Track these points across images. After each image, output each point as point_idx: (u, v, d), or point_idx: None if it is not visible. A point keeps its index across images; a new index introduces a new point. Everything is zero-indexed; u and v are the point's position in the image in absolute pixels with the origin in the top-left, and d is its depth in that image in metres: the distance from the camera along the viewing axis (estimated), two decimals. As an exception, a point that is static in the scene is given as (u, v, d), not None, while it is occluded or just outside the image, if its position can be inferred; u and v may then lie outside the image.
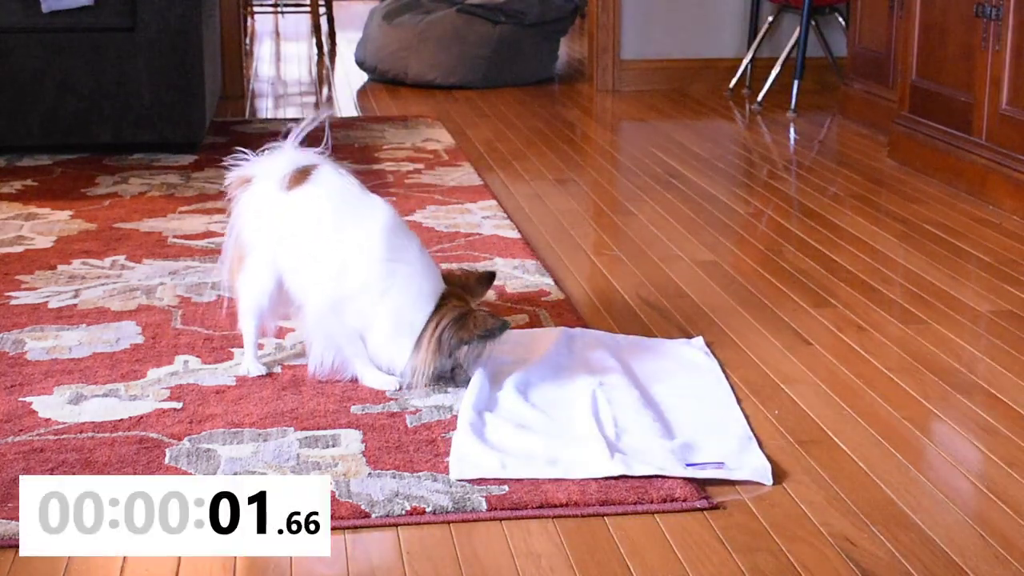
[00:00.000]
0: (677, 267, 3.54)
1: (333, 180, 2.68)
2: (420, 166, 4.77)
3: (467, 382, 2.60)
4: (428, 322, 2.61)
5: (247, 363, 2.73)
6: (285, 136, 2.74)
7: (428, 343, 2.59)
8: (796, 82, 5.88)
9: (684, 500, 2.17)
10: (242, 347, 2.77)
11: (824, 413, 2.56)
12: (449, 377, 2.65)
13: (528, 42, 6.78)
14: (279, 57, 8.40)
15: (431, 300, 2.62)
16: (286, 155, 2.71)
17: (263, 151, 2.74)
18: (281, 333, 2.92)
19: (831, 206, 4.21)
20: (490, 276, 2.79)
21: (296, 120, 2.80)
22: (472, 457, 2.29)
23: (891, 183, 4.52)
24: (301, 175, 2.67)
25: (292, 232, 2.66)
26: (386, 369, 2.64)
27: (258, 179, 2.71)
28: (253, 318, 2.73)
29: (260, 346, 2.78)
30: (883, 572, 1.97)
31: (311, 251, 2.64)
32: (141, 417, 2.50)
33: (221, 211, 4.06)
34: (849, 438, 2.44)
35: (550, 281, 3.35)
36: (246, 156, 2.75)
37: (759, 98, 6.02)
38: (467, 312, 2.61)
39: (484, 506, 2.15)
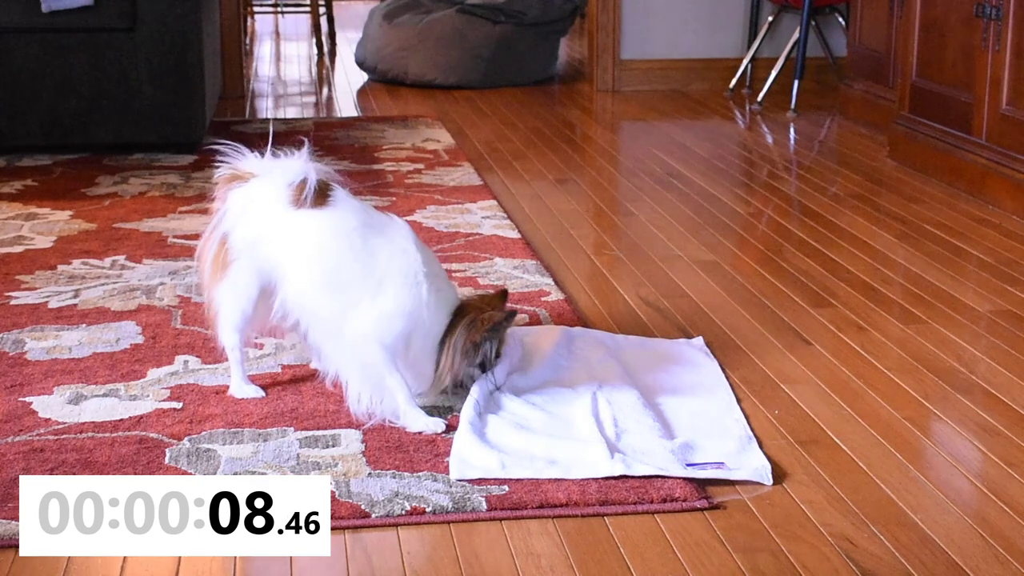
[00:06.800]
0: (677, 267, 3.53)
1: (351, 203, 2.52)
2: (420, 166, 4.77)
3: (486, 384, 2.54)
4: (444, 334, 2.51)
5: (236, 385, 2.60)
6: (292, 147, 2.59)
7: (448, 352, 2.50)
8: (796, 82, 5.88)
9: (684, 500, 2.17)
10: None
11: (824, 413, 2.56)
12: (468, 382, 2.55)
13: (528, 42, 6.78)
14: (279, 57, 8.40)
15: (449, 312, 2.52)
16: (293, 163, 2.53)
17: (265, 152, 2.57)
18: (281, 333, 2.90)
19: (831, 206, 4.20)
20: (504, 293, 2.64)
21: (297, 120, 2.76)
22: (472, 457, 2.29)
23: (891, 183, 4.52)
24: (318, 196, 2.49)
25: (309, 255, 2.48)
26: (414, 383, 2.51)
27: (259, 181, 2.53)
28: (236, 331, 2.57)
29: (259, 346, 2.76)
30: (883, 572, 1.97)
31: (337, 276, 2.46)
32: (141, 417, 2.50)
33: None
34: (849, 438, 2.44)
35: (550, 281, 3.35)
36: (241, 152, 2.57)
37: (759, 98, 6.02)
38: (475, 316, 2.52)
39: (484, 506, 2.15)
